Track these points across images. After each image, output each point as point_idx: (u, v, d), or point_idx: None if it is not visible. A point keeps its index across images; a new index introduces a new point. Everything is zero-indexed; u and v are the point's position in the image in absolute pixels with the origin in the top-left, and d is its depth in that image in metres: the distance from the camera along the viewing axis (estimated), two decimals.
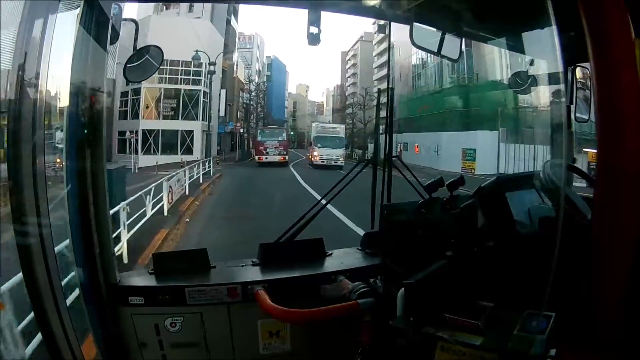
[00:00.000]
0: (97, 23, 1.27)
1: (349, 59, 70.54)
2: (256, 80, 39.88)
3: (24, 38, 1.02)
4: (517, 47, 2.08)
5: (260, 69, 41.44)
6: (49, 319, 1.08)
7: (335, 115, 75.75)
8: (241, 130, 35.56)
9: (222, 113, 32.96)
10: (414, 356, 1.19)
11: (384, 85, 46.34)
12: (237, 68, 39.92)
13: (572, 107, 1.97)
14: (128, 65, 1.52)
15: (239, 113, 39.28)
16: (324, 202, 2.01)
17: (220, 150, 32.77)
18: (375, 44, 55.38)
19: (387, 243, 1.72)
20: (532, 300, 1.05)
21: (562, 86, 1.89)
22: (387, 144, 2.02)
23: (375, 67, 55.20)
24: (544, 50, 1.90)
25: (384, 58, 50.47)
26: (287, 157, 26.49)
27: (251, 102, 39.65)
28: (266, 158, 25.56)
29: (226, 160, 27.26)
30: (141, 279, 1.49)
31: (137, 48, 1.54)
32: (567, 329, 0.78)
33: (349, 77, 70.27)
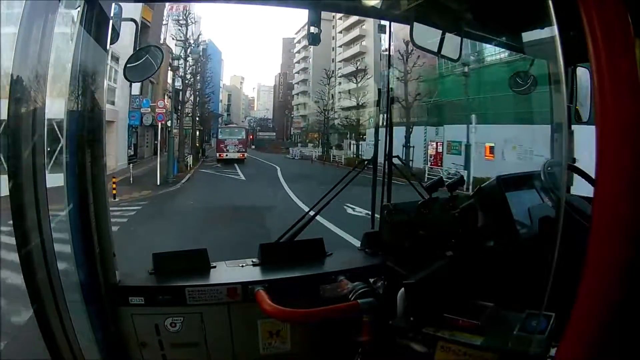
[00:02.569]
0: (97, 23, 1.26)
1: (299, 41, 60.73)
2: (190, 61, 25.07)
3: (24, 38, 1.02)
4: (517, 47, 2.08)
5: (198, 48, 26.96)
6: (49, 319, 1.08)
7: (277, 110, 67.31)
8: (169, 123, 19.70)
9: (135, 91, 20.22)
10: (414, 356, 1.19)
11: (349, 69, 39.69)
12: (166, 32, 26.87)
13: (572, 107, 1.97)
14: (128, 65, 1.52)
15: (166, 98, 22.57)
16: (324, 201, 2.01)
17: (133, 155, 19.13)
18: (340, 18, 45.86)
19: (387, 243, 1.72)
20: (532, 300, 1.05)
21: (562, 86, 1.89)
22: (386, 143, 2.02)
23: (341, 46, 45.84)
24: (544, 50, 1.90)
25: (353, 33, 43.38)
26: (245, 154, 28.42)
27: (188, 84, 24.73)
28: (226, 155, 27.17)
29: (141, 182, 14.33)
30: (141, 279, 1.49)
31: (137, 48, 1.54)
32: (567, 329, 0.78)
33: (297, 62, 61.85)
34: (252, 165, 25.60)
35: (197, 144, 28.99)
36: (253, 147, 51.45)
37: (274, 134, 60.20)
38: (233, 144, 27.52)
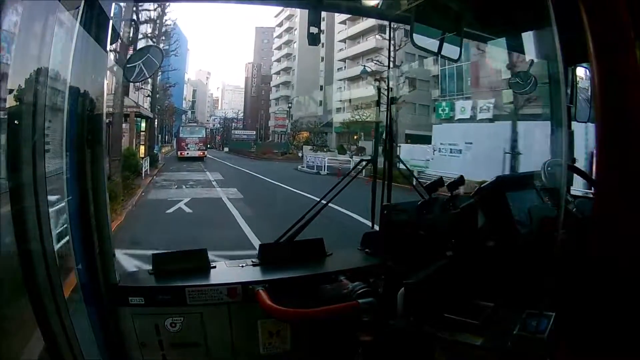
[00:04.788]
0: (97, 23, 1.26)
1: (280, 24, 50.40)
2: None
3: (24, 38, 1.02)
4: (517, 47, 2.08)
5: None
6: (49, 319, 1.08)
7: (249, 106, 57.24)
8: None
9: None
10: (414, 356, 1.19)
11: (367, 44, 31.97)
12: None
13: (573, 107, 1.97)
14: (128, 65, 1.52)
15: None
16: (323, 202, 2.00)
17: None
18: None
19: (387, 243, 1.72)
20: (532, 300, 1.06)
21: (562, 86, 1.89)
22: (386, 143, 2.02)
23: (343, 22, 34.40)
24: (544, 50, 1.90)
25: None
26: (206, 152, 27.54)
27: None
28: (187, 153, 26.22)
29: None
30: (141, 279, 1.49)
31: (137, 48, 1.54)
32: (567, 329, 0.78)
33: (277, 47, 51.25)
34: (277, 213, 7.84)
35: (145, 144, 17.43)
36: (226, 149, 40.94)
37: (253, 133, 49.08)
38: (194, 142, 27.03)
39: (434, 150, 15.24)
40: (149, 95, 20.00)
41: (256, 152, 33.39)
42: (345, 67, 36.48)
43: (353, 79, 34.08)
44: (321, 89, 39.15)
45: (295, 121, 40.87)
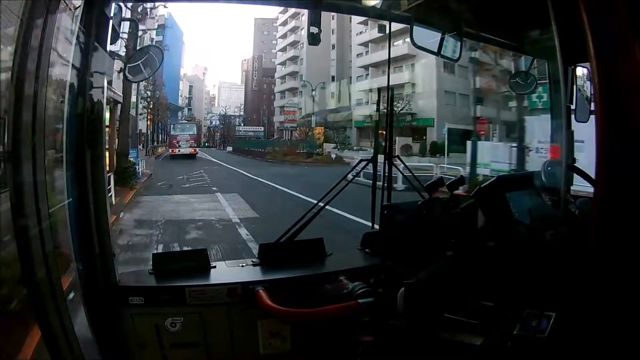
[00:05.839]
0: (97, 23, 1.27)
1: (284, 11, 45.71)
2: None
3: (24, 38, 1.02)
4: (517, 47, 2.08)
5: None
6: (49, 319, 1.08)
7: (251, 101, 53.85)
8: None
9: None
10: (414, 356, 1.19)
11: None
12: None
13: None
14: (128, 65, 1.52)
15: None
16: (322, 203, 2.00)
17: None
18: None
19: (387, 243, 1.72)
20: (532, 300, 1.06)
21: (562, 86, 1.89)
22: (386, 143, 2.02)
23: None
24: (543, 50, 1.90)
25: None
26: (197, 149, 27.81)
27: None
28: (179, 151, 26.51)
29: None
30: (141, 279, 1.49)
31: (138, 48, 1.55)
32: (567, 329, 0.78)
33: (282, 36, 47.65)
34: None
35: (111, 148, 11.83)
36: (229, 149, 36.06)
37: (261, 129, 43.00)
38: (185, 139, 27.29)
39: (529, 150, 11.47)
40: (120, 70, 12.37)
41: (274, 153, 25.82)
42: (368, 51, 31.34)
43: (378, 65, 29.12)
44: (333, 80, 34.69)
45: (308, 115, 35.28)
